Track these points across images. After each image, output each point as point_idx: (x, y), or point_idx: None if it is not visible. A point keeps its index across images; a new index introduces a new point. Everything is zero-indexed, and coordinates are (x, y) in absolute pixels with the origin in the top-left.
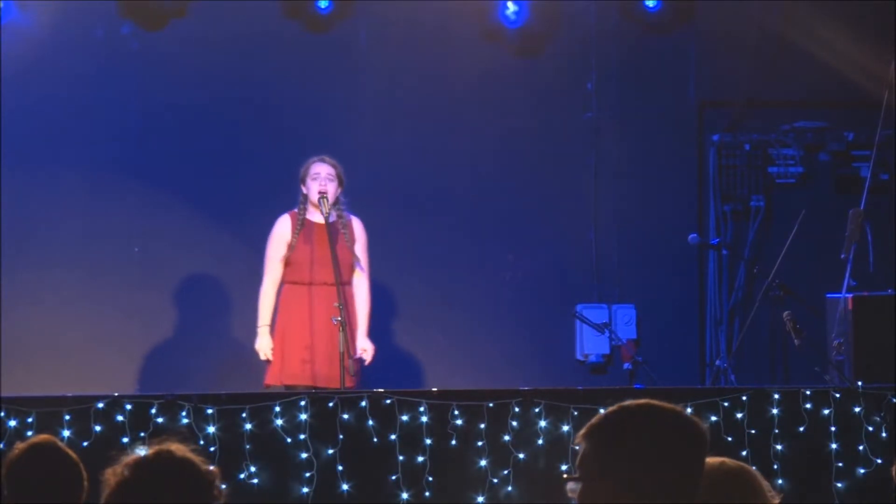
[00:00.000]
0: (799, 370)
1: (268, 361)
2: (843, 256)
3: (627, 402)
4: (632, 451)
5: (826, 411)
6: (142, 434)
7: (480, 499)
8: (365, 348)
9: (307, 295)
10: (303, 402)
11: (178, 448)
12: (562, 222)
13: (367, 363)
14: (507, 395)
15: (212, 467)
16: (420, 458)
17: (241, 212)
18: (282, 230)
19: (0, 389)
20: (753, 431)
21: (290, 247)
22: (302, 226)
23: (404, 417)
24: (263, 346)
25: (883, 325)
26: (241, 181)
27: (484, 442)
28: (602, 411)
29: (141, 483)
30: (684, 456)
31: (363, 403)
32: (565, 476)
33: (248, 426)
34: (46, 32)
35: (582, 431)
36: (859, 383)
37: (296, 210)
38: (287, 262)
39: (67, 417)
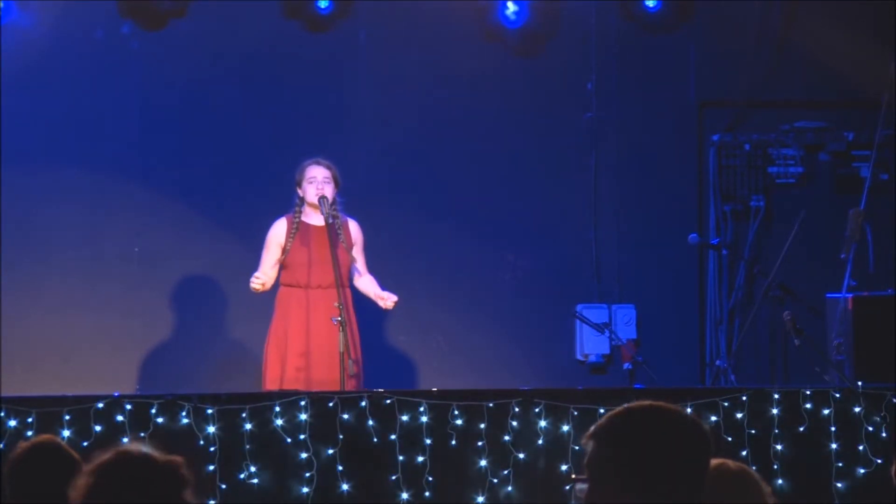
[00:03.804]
0: (799, 370)
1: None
2: (843, 256)
3: (633, 404)
4: (638, 452)
5: (826, 411)
6: (142, 434)
7: (480, 499)
8: (385, 296)
9: (304, 298)
10: (303, 402)
11: (134, 447)
12: (562, 222)
13: (395, 302)
14: (507, 395)
15: (174, 457)
16: (420, 458)
17: (240, 211)
18: (277, 233)
19: (0, 389)
20: (753, 431)
21: (284, 250)
22: (297, 229)
23: (404, 417)
24: (255, 278)
25: (883, 325)
26: (241, 181)
27: (484, 442)
28: (609, 412)
29: (106, 485)
30: (689, 457)
31: (363, 403)
32: (573, 476)
33: (248, 426)
34: (46, 32)
35: (589, 432)
36: (859, 383)
37: (291, 213)
38: (285, 266)
39: (67, 417)
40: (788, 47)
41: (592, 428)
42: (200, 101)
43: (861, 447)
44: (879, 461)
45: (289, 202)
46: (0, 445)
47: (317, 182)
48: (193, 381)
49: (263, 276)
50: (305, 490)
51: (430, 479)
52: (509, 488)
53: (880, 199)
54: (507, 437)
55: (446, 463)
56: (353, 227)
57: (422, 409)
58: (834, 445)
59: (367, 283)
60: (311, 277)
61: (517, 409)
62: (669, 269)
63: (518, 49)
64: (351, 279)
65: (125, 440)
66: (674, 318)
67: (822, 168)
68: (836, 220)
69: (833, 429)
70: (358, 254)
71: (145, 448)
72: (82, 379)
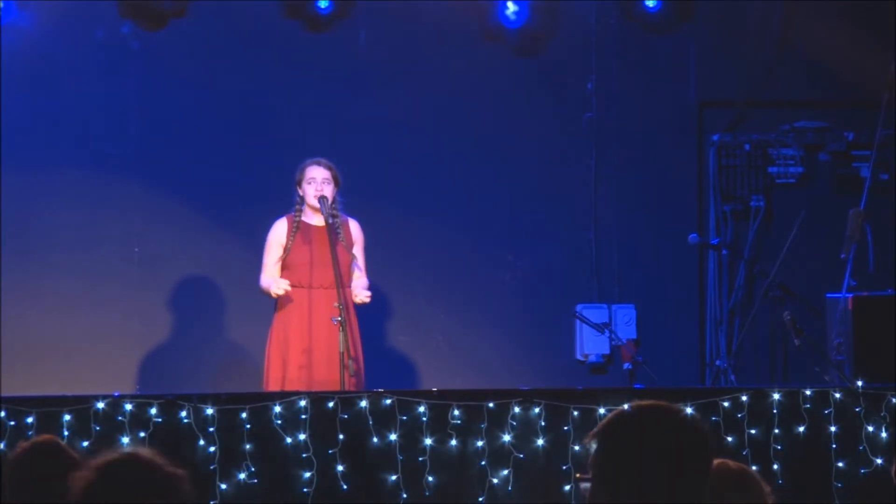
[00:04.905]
0: (799, 370)
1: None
2: (843, 256)
3: (637, 403)
4: (642, 451)
5: (826, 411)
6: (142, 434)
7: (480, 499)
8: (358, 292)
9: (306, 298)
10: (303, 403)
11: (144, 451)
12: (562, 222)
13: (367, 297)
14: (507, 395)
15: (179, 470)
16: (420, 458)
17: (240, 211)
18: (278, 233)
19: (0, 389)
20: (753, 431)
21: (286, 249)
22: (297, 228)
23: (404, 417)
24: (280, 282)
25: (883, 325)
26: (241, 181)
27: (484, 442)
28: (612, 412)
29: (107, 485)
30: (692, 458)
31: (363, 403)
32: (577, 476)
33: (248, 426)
34: (46, 32)
35: (593, 431)
36: (859, 383)
37: (292, 213)
38: (285, 266)
39: (67, 417)
40: (788, 47)
41: (596, 427)
42: (200, 101)
43: (861, 447)
44: (879, 461)
45: (289, 203)
46: (0, 445)
47: (316, 183)
48: (193, 381)
49: (283, 282)
50: (305, 490)
51: (430, 479)
52: (509, 488)
53: (880, 199)
54: (507, 437)
55: (446, 463)
56: (354, 227)
57: (422, 409)
58: (834, 445)
59: (354, 283)
60: (312, 278)
61: (517, 409)
62: (669, 269)
63: (518, 49)
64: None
65: (125, 440)
66: (674, 318)
67: (822, 168)
68: (836, 220)
69: (833, 429)
70: (358, 253)
71: (153, 455)
72: (82, 379)
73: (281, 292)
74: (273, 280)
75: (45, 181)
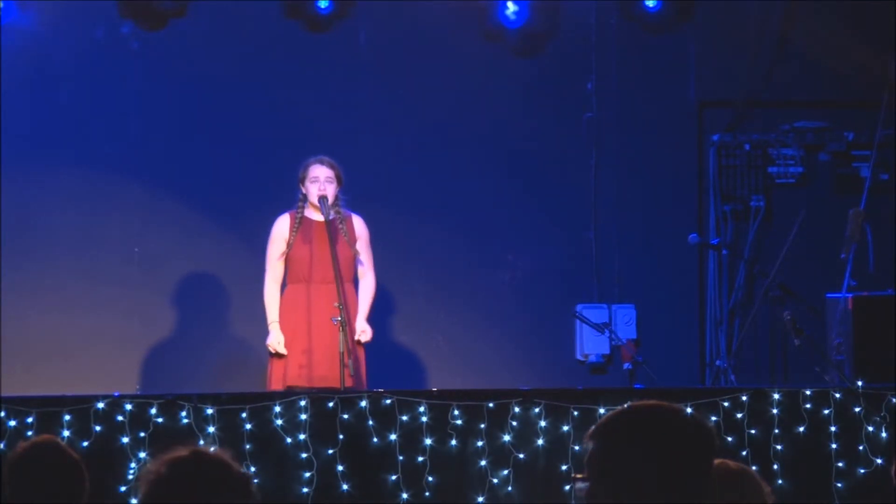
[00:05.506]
0: (799, 370)
1: (278, 356)
2: (843, 256)
3: (636, 403)
4: (640, 451)
5: (826, 411)
6: (142, 434)
7: (480, 499)
8: (364, 329)
9: (305, 293)
10: (303, 402)
11: (209, 450)
12: (562, 223)
13: (365, 340)
14: (507, 395)
15: (245, 470)
16: (420, 458)
17: (240, 211)
18: (280, 229)
19: (0, 389)
20: (753, 431)
21: (288, 244)
22: (300, 224)
23: (404, 417)
24: (275, 340)
25: (883, 325)
26: (241, 181)
27: (484, 442)
28: (611, 411)
29: (178, 481)
30: (691, 457)
31: (363, 403)
32: (574, 476)
33: (248, 426)
34: (46, 32)
35: (591, 430)
36: (859, 383)
37: (294, 210)
38: (287, 261)
39: (67, 417)
40: (789, 47)
41: (595, 426)
42: (200, 101)
43: (861, 447)
44: (879, 461)
45: (288, 203)
46: (0, 445)
47: (319, 182)
48: (193, 381)
49: (279, 346)
50: (305, 490)
51: (430, 479)
52: (509, 488)
53: (880, 199)
54: (507, 437)
55: (446, 463)
56: (358, 223)
57: (422, 409)
58: (834, 445)
59: (362, 295)
60: (312, 273)
61: (517, 409)
62: (669, 269)
63: (518, 49)
64: (356, 275)
65: (125, 440)
66: (674, 318)
67: (822, 168)
68: (836, 220)
69: (833, 429)
70: (362, 249)
71: (222, 454)
72: (82, 379)
73: (272, 351)
74: (278, 339)
75: (45, 181)
